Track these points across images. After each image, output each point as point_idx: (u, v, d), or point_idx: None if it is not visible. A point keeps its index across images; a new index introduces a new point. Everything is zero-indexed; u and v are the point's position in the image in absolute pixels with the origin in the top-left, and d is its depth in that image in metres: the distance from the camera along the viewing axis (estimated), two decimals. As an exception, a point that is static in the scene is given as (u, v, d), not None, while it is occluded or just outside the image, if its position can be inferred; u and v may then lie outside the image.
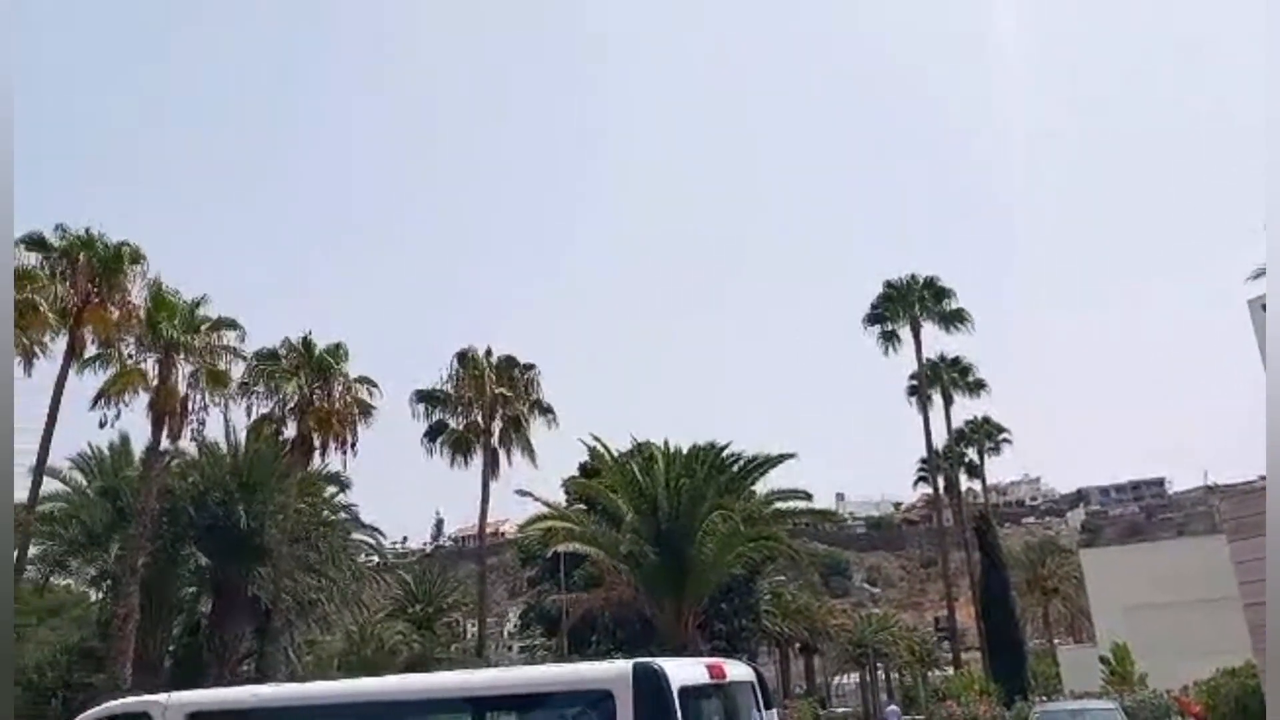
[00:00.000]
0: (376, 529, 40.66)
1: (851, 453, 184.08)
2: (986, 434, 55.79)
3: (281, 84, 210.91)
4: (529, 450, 40.02)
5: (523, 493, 31.33)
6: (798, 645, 60.08)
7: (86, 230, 27.86)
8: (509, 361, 41.10)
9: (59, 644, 36.24)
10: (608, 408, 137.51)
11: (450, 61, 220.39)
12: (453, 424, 40.16)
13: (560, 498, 39.04)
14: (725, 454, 26.80)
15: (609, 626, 37.75)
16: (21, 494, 28.97)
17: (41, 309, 25.12)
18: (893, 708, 38.08)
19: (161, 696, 9.79)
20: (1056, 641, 64.36)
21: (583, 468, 39.22)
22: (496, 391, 39.71)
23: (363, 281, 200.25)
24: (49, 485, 31.02)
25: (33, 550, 31.21)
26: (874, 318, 47.06)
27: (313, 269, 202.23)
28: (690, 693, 8.01)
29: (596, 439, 27.88)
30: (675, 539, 24.56)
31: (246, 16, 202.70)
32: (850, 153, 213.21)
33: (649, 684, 7.63)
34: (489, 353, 40.78)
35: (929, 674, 61.74)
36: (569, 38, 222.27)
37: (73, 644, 35.74)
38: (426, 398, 40.03)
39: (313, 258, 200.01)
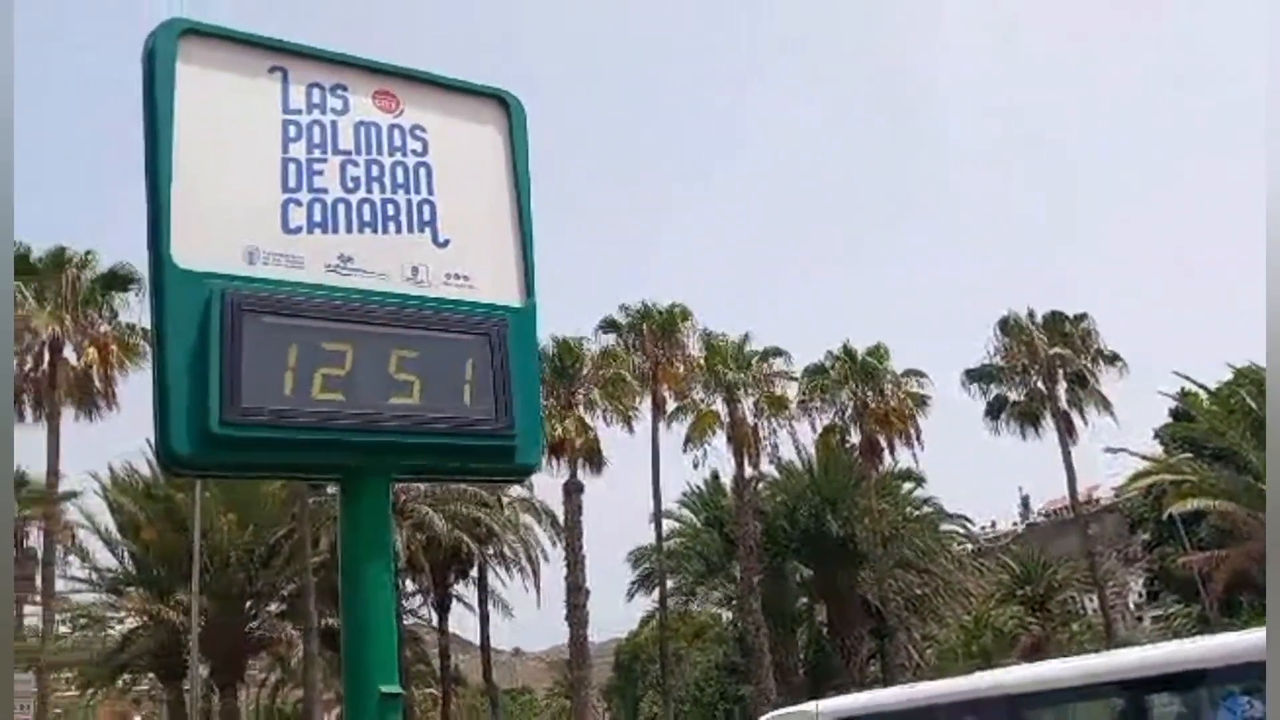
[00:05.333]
0: (964, 517, 40.16)
1: None
2: None
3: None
4: (1105, 405, 36.52)
5: (1113, 450, 28.85)
6: None
7: (643, 302, 32.19)
8: (1056, 317, 38.03)
9: (709, 663, 41.12)
10: (1189, 340, 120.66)
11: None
12: (1013, 396, 38.16)
13: (1155, 449, 35.24)
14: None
15: (1260, 584, 32.57)
16: (648, 538, 33.93)
17: (627, 379, 29.62)
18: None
19: (810, 705, 10.41)
20: None
21: (1174, 412, 34.86)
22: (1051, 353, 36.97)
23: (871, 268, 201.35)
24: (667, 525, 35.83)
25: (670, 584, 36.16)
26: None
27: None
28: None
29: (1184, 376, 24.62)
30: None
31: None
32: None
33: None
34: (1031, 314, 38.19)
35: None
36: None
37: (719, 661, 40.33)
38: (977, 376, 38.57)
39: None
